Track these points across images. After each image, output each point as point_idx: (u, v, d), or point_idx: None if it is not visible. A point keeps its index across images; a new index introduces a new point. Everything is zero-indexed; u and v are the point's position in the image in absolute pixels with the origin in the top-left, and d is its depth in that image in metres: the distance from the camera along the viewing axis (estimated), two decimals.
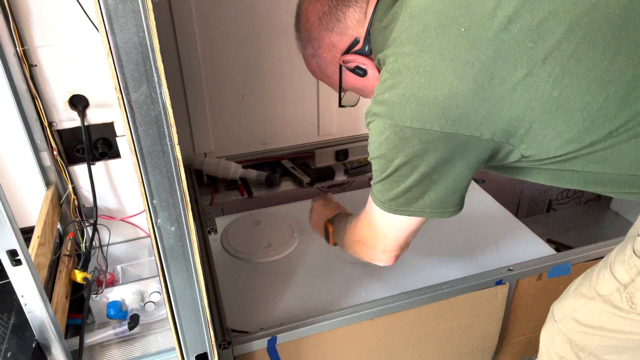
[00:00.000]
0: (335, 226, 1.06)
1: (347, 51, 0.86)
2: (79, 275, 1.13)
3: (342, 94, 0.94)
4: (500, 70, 0.66)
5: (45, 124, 1.13)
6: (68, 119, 1.16)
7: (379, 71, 0.80)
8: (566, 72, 0.65)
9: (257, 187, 1.57)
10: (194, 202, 1.39)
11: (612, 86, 0.65)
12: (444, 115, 0.68)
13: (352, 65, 0.87)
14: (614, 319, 0.78)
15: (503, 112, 0.67)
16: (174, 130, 0.65)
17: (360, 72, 0.87)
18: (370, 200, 0.85)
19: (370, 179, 0.81)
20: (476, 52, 0.66)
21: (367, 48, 0.84)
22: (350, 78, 0.90)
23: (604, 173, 0.72)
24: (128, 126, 0.63)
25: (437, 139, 0.69)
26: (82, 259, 1.21)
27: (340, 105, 0.96)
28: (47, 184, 1.19)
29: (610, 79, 0.65)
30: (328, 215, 1.12)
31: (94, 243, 1.25)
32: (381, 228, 0.86)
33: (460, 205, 0.79)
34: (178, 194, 0.69)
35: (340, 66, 0.88)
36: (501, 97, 0.66)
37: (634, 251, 0.76)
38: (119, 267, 1.24)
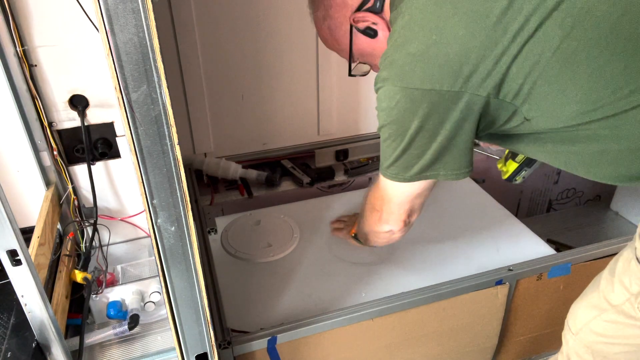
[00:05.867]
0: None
1: (359, 9, 0.85)
2: (79, 275, 1.13)
3: (353, 64, 0.94)
4: (512, 23, 0.65)
5: (45, 124, 1.13)
6: (68, 119, 1.16)
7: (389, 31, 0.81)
8: (576, 23, 0.64)
9: (257, 187, 1.57)
10: (194, 202, 1.39)
11: (621, 41, 0.63)
12: (453, 74, 0.67)
13: (362, 25, 0.86)
14: (629, 329, 0.79)
15: (511, 69, 0.66)
16: (174, 130, 0.65)
17: (371, 32, 0.87)
18: (381, 178, 0.87)
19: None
20: (491, 3, 0.65)
21: (378, 4, 0.83)
22: (360, 40, 0.89)
23: (608, 150, 0.71)
24: (128, 126, 0.63)
25: (447, 99, 0.69)
26: (82, 259, 1.21)
27: (350, 74, 0.96)
28: (47, 184, 1.19)
29: (619, 33, 0.63)
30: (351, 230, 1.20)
31: (94, 243, 1.25)
32: (388, 192, 0.90)
33: (472, 165, 0.80)
34: (178, 194, 0.69)
35: (351, 27, 0.88)
36: (512, 54, 0.66)
37: (637, 260, 0.76)
38: (119, 267, 1.24)
